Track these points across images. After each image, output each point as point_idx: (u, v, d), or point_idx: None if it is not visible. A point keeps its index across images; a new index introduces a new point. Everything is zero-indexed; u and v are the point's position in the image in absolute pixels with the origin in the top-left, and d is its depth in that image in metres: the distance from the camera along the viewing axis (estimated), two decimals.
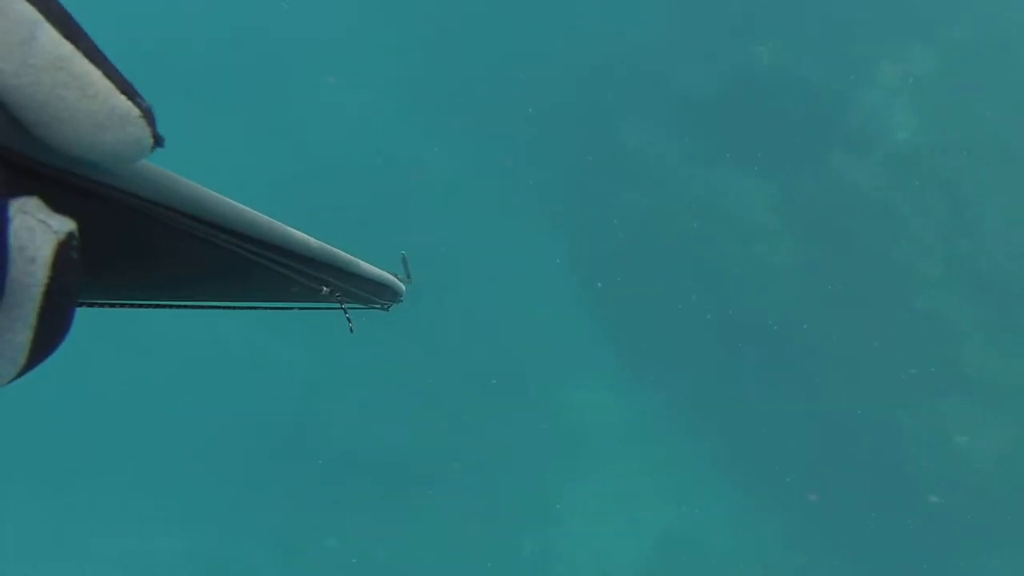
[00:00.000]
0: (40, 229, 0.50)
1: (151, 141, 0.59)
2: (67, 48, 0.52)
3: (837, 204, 12.68)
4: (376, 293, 1.94)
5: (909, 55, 12.89)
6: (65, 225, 0.52)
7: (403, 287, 2.27)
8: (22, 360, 0.52)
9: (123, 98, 0.55)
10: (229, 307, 1.35)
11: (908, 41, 12.94)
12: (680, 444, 12.98)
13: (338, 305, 1.54)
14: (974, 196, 12.70)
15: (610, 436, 13.02)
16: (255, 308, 1.50)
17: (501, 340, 13.17)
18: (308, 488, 12.80)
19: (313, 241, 1.25)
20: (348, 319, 1.70)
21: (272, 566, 13.06)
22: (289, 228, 1.15)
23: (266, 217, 1.05)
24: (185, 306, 1.21)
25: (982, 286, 12.85)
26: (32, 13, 0.50)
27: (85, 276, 0.56)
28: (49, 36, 0.51)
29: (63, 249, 0.51)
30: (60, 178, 0.59)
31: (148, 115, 0.58)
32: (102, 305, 0.89)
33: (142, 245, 0.81)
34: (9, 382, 0.54)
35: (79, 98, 0.52)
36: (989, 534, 12.20)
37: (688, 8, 13.53)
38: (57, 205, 0.53)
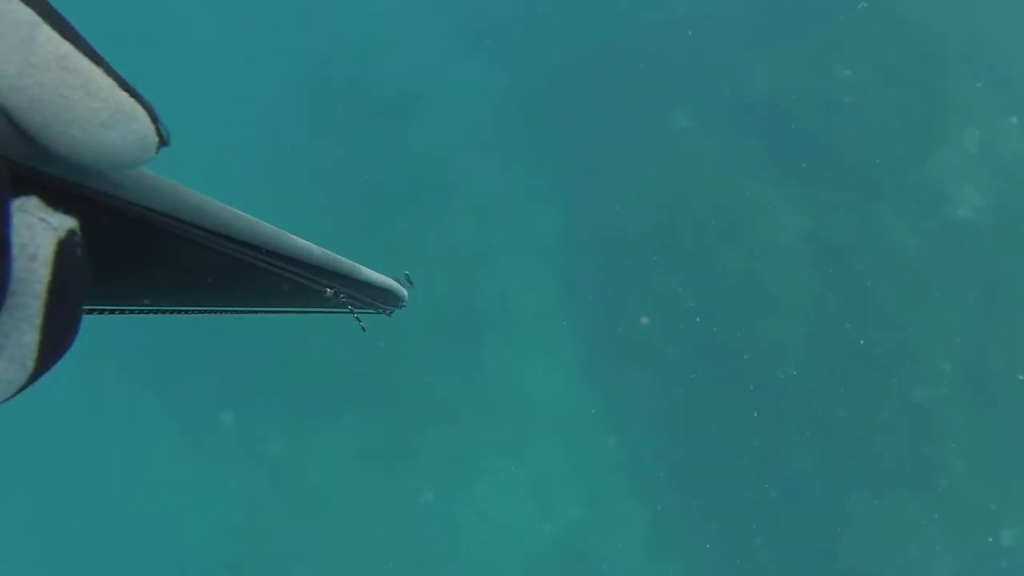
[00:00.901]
0: (40, 227, 0.49)
1: (156, 139, 0.56)
2: (66, 47, 0.50)
3: (868, 258, 11.59)
4: (379, 299, 1.96)
5: (1000, 129, 11.71)
6: (65, 222, 0.50)
7: (405, 292, 2.30)
8: (31, 363, 0.49)
9: (125, 95, 0.53)
10: (236, 312, 1.29)
11: (1004, 114, 11.75)
12: (616, 452, 12.03)
13: (347, 310, 1.56)
14: (1012, 301, 11.55)
15: (549, 421, 12.09)
16: (262, 313, 1.44)
17: (472, 295, 12.24)
18: (215, 361, 12.01)
19: (316, 248, 1.26)
20: (359, 320, 1.74)
21: (165, 435, 12.35)
22: (292, 235, 1.15)
23: (269, 225, 1.03)
24: (189, 311, 1.13)
25: (986, 399, 11.74)
26: (29, 14, 0.49)
27: (90, 275, 0.54)
28: (48, 36, 0.49)
29: (65, 246, 0.50)
30: (62, 186, 0.57)
31: (152, 112, 0.56)
32: (110, 312, 0.83)
33: (144, 253, 0.77)
34: (19, 390, 0.50)
35: (83, 96, 0.51)
36: None
37: (781, 10, 12.43)
38: (57, 206, 0.51)
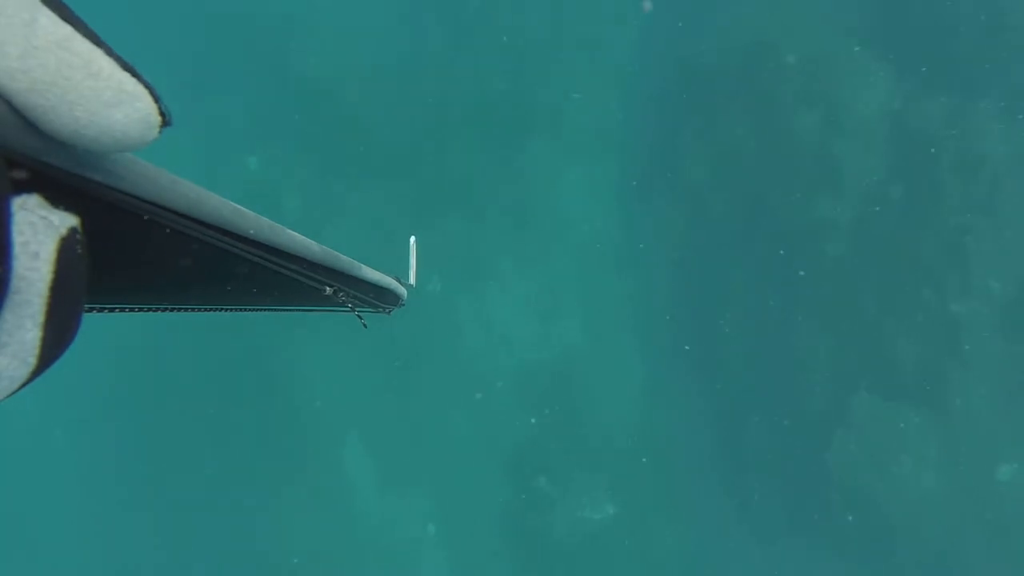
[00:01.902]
0: (42, 225, 0.49)
1: (159, 119, 0.56)
2: (67, 29, 0.50)
3: (949, 154, 10.84)
4: (378, 297, 1.92)
5: None
6: (67, 220, 0.51)
7: (405, 291, 2.22)
8: (34, 360, 0.50)
9: (127, 75, 0.53)
10: (235, 310, 1.26)
11: None
12: (628, 289, 11.65)
13: (348, 308, 1.57)
14: None
15: (570, 241, 11.65)
16: (262, 311, 1.37)
17: (529, 94, 11.62)
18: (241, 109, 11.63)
19: (315, 245, 1.26)
20: (361, 319, 1.75)
21: (187, 169, 12.09)
22: (292, 232, 1.14)
23: (268, 220, 1.03)
24: (190, 309, 1.11)
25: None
26: None
27: (92, 272, 0.54)
28: (49, 18, 0.49)
29: (67, 244, 0.50)
30: (62, 179, 0.57)
31: (153, 92, 0.55)
32: (111, 310, 0.83)
33: (143, 249, 0.76)
34: (21, 386, 0.51)
35: (85, 76, 0.51)
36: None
37: None
38: (58, 204, 0.52)
